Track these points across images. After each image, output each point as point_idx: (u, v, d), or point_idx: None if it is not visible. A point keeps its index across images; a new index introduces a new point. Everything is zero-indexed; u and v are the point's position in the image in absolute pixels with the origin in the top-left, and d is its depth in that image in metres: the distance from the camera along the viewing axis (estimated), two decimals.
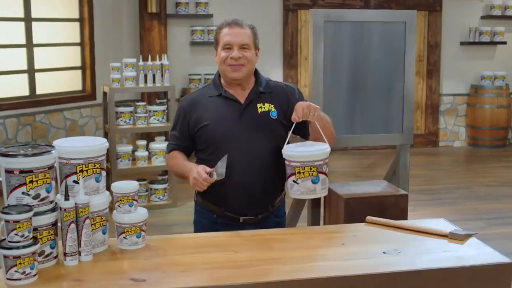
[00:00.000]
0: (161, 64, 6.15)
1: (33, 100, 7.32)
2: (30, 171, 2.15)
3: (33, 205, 2.16)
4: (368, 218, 2.75)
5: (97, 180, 2.33)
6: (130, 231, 2.39)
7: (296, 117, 2.67)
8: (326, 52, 3.68)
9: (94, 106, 7.88)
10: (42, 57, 7.44)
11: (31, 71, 7.35)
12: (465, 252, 2.37)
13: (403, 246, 2.42)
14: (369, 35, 3.73)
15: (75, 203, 2.24)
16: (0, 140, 6.91)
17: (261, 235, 2.57)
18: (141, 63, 6.09)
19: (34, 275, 2.10)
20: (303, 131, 2.90)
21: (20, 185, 2.14)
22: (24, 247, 2.07)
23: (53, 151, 2.22)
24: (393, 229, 2.64)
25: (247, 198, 2.80)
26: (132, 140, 8.00)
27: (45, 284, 2.09)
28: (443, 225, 2.68)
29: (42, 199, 2.19)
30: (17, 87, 7.25)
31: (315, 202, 3.83)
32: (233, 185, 2.75)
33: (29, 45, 7.30)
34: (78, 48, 7.89)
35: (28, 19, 7.25)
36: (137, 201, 2.43)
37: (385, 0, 8.78)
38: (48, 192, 2.20)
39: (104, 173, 2.36)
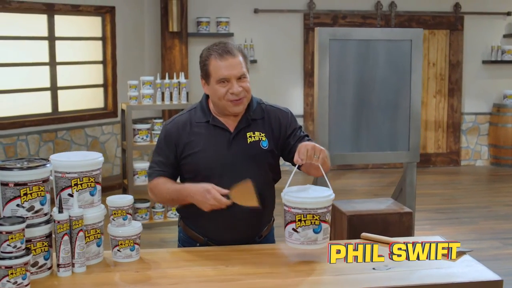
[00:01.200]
0: (179, 82, 6.24)
1: (56, 117, 7.47)
2: (24, 184, 2.21)
3: (27, 217, 2.23)
4: (363, 234, 2.76)
5: (92, 194, 2.39)
6: (124, 244, 2.44)
7: (299, 159, 2.45)
8: (332, 70, 3.71)
9: (115, 123, 8.00)
10: (65, 75, 7.59)
11: (53, 89, 7.51)
12: (456, 269, 2.37)
13: (394, 263, 2.42)
14: (375, 53, 3.75)
15: (69, 216, 2.30)
16: (22, 156, 7.05)
17: (253, 250, 2.59)
18: (158, 81, 6.18)
19: (26, 285, 2.15)
20: (291, 159, 2.70)
21: (15, 198, 2.21)
22: (16, 257, 2.13)
23: (47, 165, 2.29)
24: (387, 246, 2.64)
25: (231, 231, 2.67)
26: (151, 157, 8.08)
27: None
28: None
29: (36, 211, 2.25)
30: (40, 104, 7.40)
31: None
32: (217, 216, 2.60)
33: (52, 63, 7.46)
34: (100, 66, 8.04)
35: (51, 38, 7.42)
36: (131, 214, 2.48)
37: (405, 19, 8.78)
38: (42, 204, 2.27)
39: (99, 187, 2.42)
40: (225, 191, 2.48)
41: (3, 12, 6.93)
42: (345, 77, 3.75)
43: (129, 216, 2.46)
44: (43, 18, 7.33)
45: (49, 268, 2.31)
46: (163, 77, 7.30)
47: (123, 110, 6.20)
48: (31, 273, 2.23)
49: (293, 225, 2.42)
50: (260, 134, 2.70)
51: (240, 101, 2.63)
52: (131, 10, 8.16)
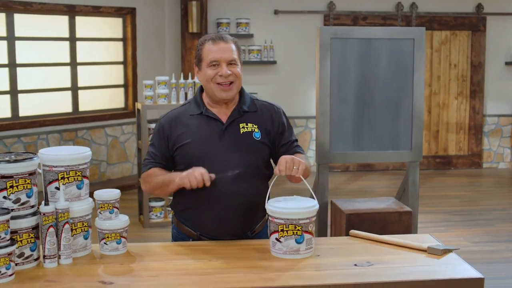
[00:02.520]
0: (194, 82, 6.29)
1: (76, 117, 7.59)
2: (10, 177, 2.27)
3: (13, 209, 2.28)
4: (352, 231, 2.76)
5: (79, 188, 2.44)
6: (110, 237, 2.48)
7: (277, 171, 2.50)
8: (333, 69, 3.71)
9: (135, 123, 8.09)
10: (85, 76, 7.71)
11: (74, 89, 7.63)
12: (438, 267, 2.36)
13: (377, 259, 2.43)
14: (377, 52, 3.75)
15: (55, 208, 2.35)
16: None
17: (240, 245, 2.61)
18: (173, 80, 6.24)
19: (10, 275, 2.21)
20: (275, 158, 2.75)
21: (1, 190, 2.27)
22: (0, 247, 2.18)
23: (34, 159, 2.34)
24: (375, 243, 2.65)
25: (222, 222, 2.66)
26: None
27: (19, 283, 2.20)
28: (427, 240, 2.67)
29: (23, 204, 2.31)
30: (61, 104, 7.53)
31: (323, 217, 3.85)
32: (208, 207, 2.65)
33: (73, 63, 7.58)
34: (121, 66, 8.14)
35: (72, 39, 7.54)
36: (118, 208, 2.52)
37: (427, 20, 8.72)
38: (28, 197, 2.32)
39: (86, 181, 2.47)
40: (212, 175, 2.55)
41: (25, 14, 7.08)
42: (346, 76, 3.75)
43: (115, 209, 2.51)
44: (64, 19, 7.46)
45: (36, 259, 2.36)
46: (185, 77, 7.37)
47: (138, 110, 6.27)
48: (17, 263, 2.29)
49: (276, 235, 2.44)
50: (252, 125, 2.74)
51: (229, 87, 2.67)
52: (152, 11, 8.25)
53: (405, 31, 3.79)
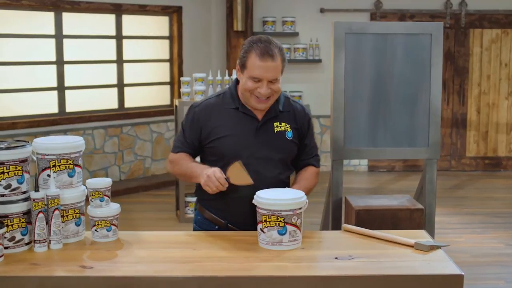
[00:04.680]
0: (231, 79, 6.35)
1: (121, 113, 7.78)
2: (1, 163, 2.37)
3: (4, 195, 2.38)
4: (344, 226, 2.75)
5: (70, 175, 2.52)
6: (101, 224, 2.55)
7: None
8: (348, 64, 3.69)
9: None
10: (131, 73, 7.89)
11: (120, 86, 7.82)
12: (419, 262, 2.33)
13: (361, 253, 2.41)
14: (392, 47, 3.69)
15: (46, 195, 2.43)
16: (88, 150, 7.39)
17: (232, 236, 2.63)
18: (210, 77, 6.32)
19: None
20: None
21: None
22: None
23: (26, 146, 2.44)
24: (366, 238, 2.63)
25: (252, 215, 2.63)
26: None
27: (5, 266, 2.28)
28: (422, 236, 2.63)
29: (13, 189, 2.41)
30: (107, 100, 7.73)
31: (337, 213, 3.83)
32: (240, 199, 2.69)
33: (119, 61, 7.77)
34: (167, 64, 8.28)
35: (119, 37, 7.73)
36: (109, 196, 2.59)
37: (476, 18, 8.51)
38: (19, 183, 2.42)
39: (78, 169, 2.54)
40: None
41: (72, 13, 7.30)
42: (361, 72, 3.71)
43: (106, 198, 2.57)
44: (111, 18, 7.66)
45: (27, 244, 2.46)
46: (230, 75, 7.45)
47: (176, 106, 6.38)
48: (8, 247, 2.39)
49: (260, 225, 2.48)
50: (286, 125, 2.82)
51: (265, 101, 2.72)
52: (198, 9, 8.36)
53: (422, 26, 3.72)
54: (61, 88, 7.28)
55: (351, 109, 3.74)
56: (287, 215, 2.43)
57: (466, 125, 8.67)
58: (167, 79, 8.31)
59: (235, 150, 2.72)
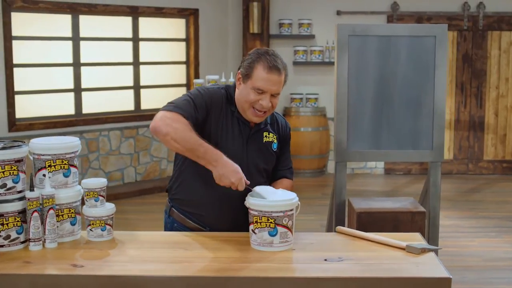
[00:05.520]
0: None
1: (137, 115, 7.85)
2: None
3: (0, 194, 2.43)
4: (338, 228, 2.75)
5: (65, 175, 2.56)
6: (95, 224, 2.59)
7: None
8: (351, 66, 3.69)
9: None
10: (148, 75, 7.96)
11: (136, 87, 7.89)
12: (408, 265, 2.32)
13: (351, 255, 2.41)
14: (396, 49, 3.69)
15: (41, 194, 2.48)
16: (104, 151, 7.48)
17: (226, 237, 2.64)
18: (223, 79, 6.35)
19: None
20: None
21: None
22: None
23: (22, 146, 2.48)
24: (358, 240, 2.63)
25: (230, 220, 2.72)
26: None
27: None
28: (416, 239, 2.62)
29: (9, 189, 2.45)
30: (123, 102, 7.81)
31: (340, 215, 3.84)
32: (220, 204, 2.70)
33: (136, 63, 7.84)
34: (183, 66, 8.34)
35: (135, 39, 7.81)
36: (103, 197, 2.62)
37: (494, 20, 8.42)
38: (15, 182, 2.46)
39: (73, 169, 2.58)
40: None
41: (89, 15, 7.38)
42: (365, 74, 3.71)
43: (101, 198, 2.61)
44: (127, 20, 7.73)
45: (23, 242, 2.50)
46: None
47: None
48: (3, 245, 2.43)
49: (252, 226, 2.49)
50: (273, 136, 2.86)
51: (263, 114, 2.74)
52: (215, 12, 8.40)
53: (426, 28, 3.71)
54: (77, 89, 7.37)
55: (355, 111, 3.74)
56: (277, 216, 2.44)
57: (483, 128, 8.59)
58: (184, 81, 8.36)
59: (225, 153, 2.62)
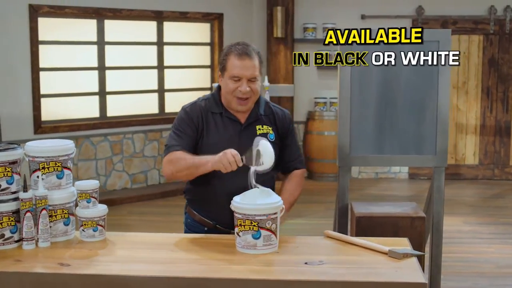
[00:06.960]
0: (262, 85, 6.42)
1: (162, 118, 7.96)
2: None
3: None
4: (325, 232, 2.77)
5: (59, 177, 2.65)
6: (87, 225, 2.67)
7: None
8: (354, 70, 3.70)
9: None
10: (172, 78, 8.07)
11: (161, 91, 8.01)
12: (387, 269, 2.34)
13: (333, 259, 2.45)
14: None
15: (34, 195, 2.57)
16: (127, 153, 7.60)
17: (214, 240, 2.70)
18: None
19: None
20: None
21: None
22: None
23: (17, 149, 2.58)
24: (344, 244, 2.65)
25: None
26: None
27: None
28: (402, 244, 2.63)
29: (3, 190, 2.55)
30: (148, 105, 7.93)
31: (343, 220, 3.85)
32: (226, 201, 2.71)
33: (160, 67, 7.96)
34: (208, 70, 8.43)
35: (160, 43, 7.92)
36: (96, 198, 2.70)
37: None
38: (9, 183, 2.56)
39: (67, 171, 2.67)
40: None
41: (115, 20, 7.52)
42: (368, 78, 3.71)
43: (93, 199, 2.69)
44: (152, 25, 7.85)
45: (17, 241, 2.59)
46: (270, 82, 7.60)
47: None
48: None
49: (236, 229, 2.54)
50: (268, 127, 2.96)
51: (245, 101, 2.86)
52: (239, 16, 8.48)
53: (430, 33, 3.70)
54: (102, 93, 7.51)
55: (357, 115, 3.74)
56: (261, 219, 2.48)
57: (510, 133, 8.47)
58: (208, 85, 8.44)
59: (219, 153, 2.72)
